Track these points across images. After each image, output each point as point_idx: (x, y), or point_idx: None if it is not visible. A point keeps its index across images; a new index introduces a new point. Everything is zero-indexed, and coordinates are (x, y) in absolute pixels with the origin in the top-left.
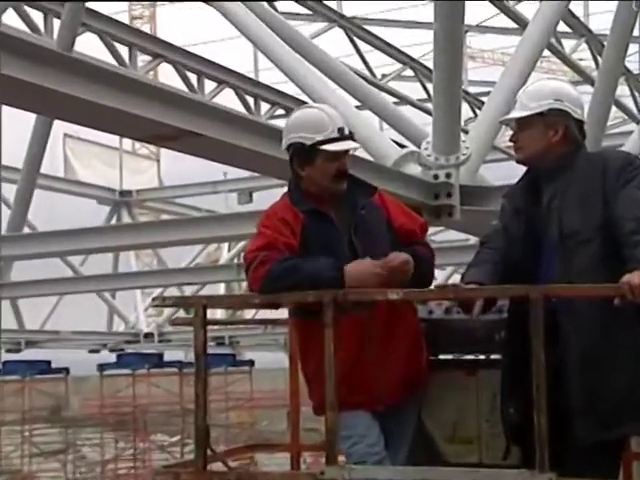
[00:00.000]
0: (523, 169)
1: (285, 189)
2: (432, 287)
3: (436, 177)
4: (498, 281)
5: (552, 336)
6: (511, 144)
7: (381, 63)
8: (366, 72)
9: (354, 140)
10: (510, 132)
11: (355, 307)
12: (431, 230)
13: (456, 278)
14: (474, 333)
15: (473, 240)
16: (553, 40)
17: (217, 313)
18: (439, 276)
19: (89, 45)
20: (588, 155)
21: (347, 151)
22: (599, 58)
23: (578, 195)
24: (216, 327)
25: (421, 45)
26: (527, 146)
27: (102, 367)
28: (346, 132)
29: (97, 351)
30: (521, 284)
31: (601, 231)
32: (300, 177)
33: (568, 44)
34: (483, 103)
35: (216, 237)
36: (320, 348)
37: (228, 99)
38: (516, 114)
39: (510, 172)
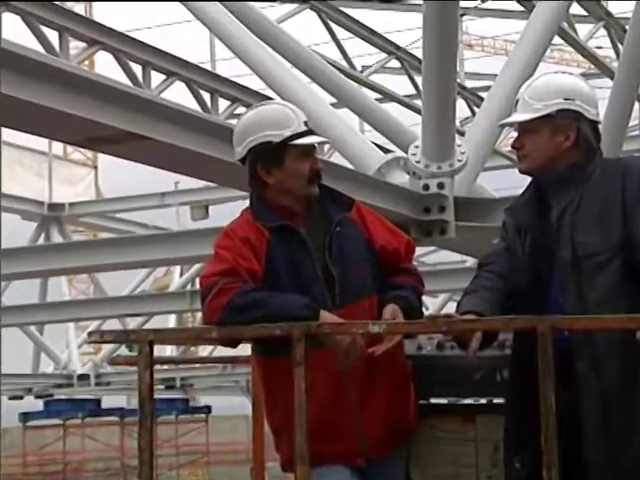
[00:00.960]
0: (529, 178)
1: (247, 203)
2: (422, 318)
3: (426, 187)
4: (500, 311)
5: (565, 377)
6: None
7: (362, 52)
8: (344, 63)
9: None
10: (515, 133)
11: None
12: (420, 250)
13: (451, 307)
14: (472, 373)
15: (470, 262)
16: (565, 25)
17: (166, 350)
18: (430, 305)
19: (10, 28)
20: (605, 162)
21: (315, 148)
22: (620, 46)
23: (593, 210)
24: (165, 367)
25: (409, 31)
26: (532, 154)
27: (26, 416)
28: (310, 126)
29: (20, 397)
30: (527, 314)
31: (621, 252)
32: (265, 186)
33: (583, 29)
34: (482, 100)
35: (165, 259)
36: (289, 391)
37: (179, 95)
38: (518, 117)
39: (515, 181)
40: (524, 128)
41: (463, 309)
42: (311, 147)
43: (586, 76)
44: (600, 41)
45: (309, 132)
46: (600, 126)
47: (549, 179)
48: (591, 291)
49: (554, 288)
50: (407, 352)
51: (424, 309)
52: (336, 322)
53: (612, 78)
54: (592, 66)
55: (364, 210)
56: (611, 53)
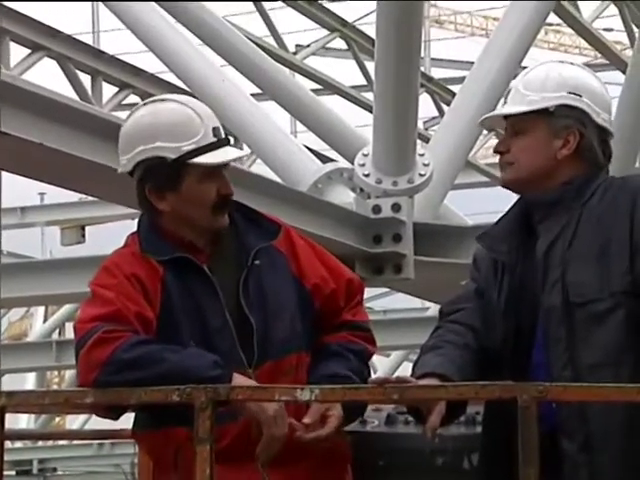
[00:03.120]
0: (513, 199)
1: (134, 225)
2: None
3: (377, 210)
4: (471, 374)
5: (551, 463)
6: (495, 158)
7: (295, 28)
8: (271, 41)
9: (234, 146)
10: (495, 141)
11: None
12: (368, 293)
13: (406, 369)
14: (431, 457)
15: (433, 310)
16: (564, 1)
17: (21, 421)
18: (380, 365)
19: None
20: (611, 182)
21: (225, 166)
22: (635, 29)
23: (592, 243)
24: (19, 444)
25: (359, 1)
26: (520, 161)
27: None
28: (222, 134)
29: None
30: (503, 379)
31: (626, 299)
32: (158, 213)
33: (588, 7)
34: (454, 95)
35: (24, 298)
36: (188, 477)
37: (49, 77)
38: (508, 109)
39: (495, 204)
40: (512, 126)
41: (422, 371)
42: (218, 165)
43: (590, 67)
44: (609, 22)
45: (219, 143)
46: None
47: (538, 198)
48: (586, 349)
49: (538, 344)
50: (347, 428)
51: (372, 371)
52: (254, 385)
53: (624, 70)
54: (598, 54)
55: (295, 237)
56: (623, 38)
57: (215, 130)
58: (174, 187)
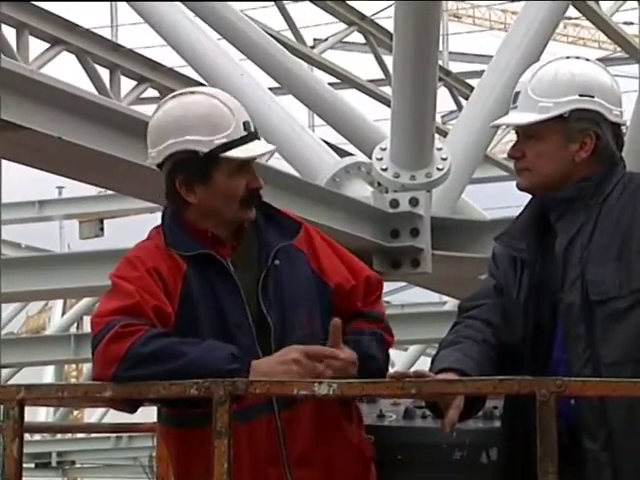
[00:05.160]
0: (529, 195)
1: (157, 219)
2: (386, 378)
3: (395, 204)
4: (489, 370)
5: (569, 457)
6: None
7: (313, 22)
8: (289, 35)
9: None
10: (513, 135)
11: (261, 408)
12: (385, 287)
13: (424, 363)
14: (449, 451)
15: (451, 304)
16: None
17: (40, 414)
18: (398, 360)
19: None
20: (628, 178)
21: (254, 160)
22: None
23: (612, 240)
24: (38, 437)
25: None
26: (536, 167)
27: None
28: (252, 128)
29: None
30: (523, 375)
31: None
32: (186, 204)
33: (607, 0)
34: (472, 89)
35: (42, 291)
36: (206, 472)
37: (67, 71)
38: (518, 118)
39: (512, 198)
40: (526, 132)
41: (440, 366)
42: (250, 159)
43: (609, 61)
44: (629, 15)
45: (250, 137)
46: (623, 128)
47: (556, 197)
48: (605, 347)
49: (558, 342)
50: (366, 422)
51: (389, 365)
52: (272, 380)
53: None
54: (617, 48)
55: (315, 235)
56: None
57: (246, 124)
58: (204, 180)
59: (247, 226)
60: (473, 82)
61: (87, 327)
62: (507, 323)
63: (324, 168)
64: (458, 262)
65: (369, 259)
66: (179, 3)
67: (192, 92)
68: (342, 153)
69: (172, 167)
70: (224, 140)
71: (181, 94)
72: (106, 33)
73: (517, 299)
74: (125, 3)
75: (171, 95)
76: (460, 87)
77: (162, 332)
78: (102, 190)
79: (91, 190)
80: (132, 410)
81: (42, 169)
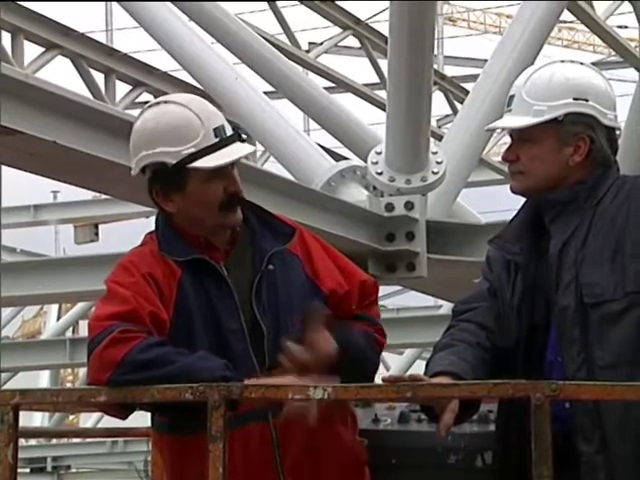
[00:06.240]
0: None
1: (152, 224)
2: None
3: (390, 208)
4: (483, 373)
5: (563, 460)
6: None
7: (308, 26)
8: (285, 39)
9: (244, 141)
10: (508, 139)
11: (256, 414)
12: (381, 291)
13: (419, 367)
14: (444, 454)
15: (446, 308)
16: None
17: (35, 419)
18: (392, 363)
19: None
20: (623, 180)
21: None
22: None
23: (606, 243)
24: (33, 442)
25: (371, 0)
26: (530, 171)
27: None
28: (227, 132)
29: None
30: (517, 378)
31: None
32: (167, 213)
33: (601, 4)
34: (467, 92)
35: (38, 296)
36: (201, 477)
37: (62, 75)
38: (513, 122)
39: (507, 202)
40: (520, 135)
41: (434, 370)
42: (219, 167)
43: (604, 64)
44: (623, 19)
45: (222, 144)
46: (617, 132)
47: (550, 200)
48: (600, 350)
49: (551, 344)
50: (361, 426)
51: (384, 369)
52: (267, 383)
53: (638, 68)
54: (612, 52)
55: (310, 239)
56: (637, 35)
57: (217, 130)
58: (179, 189)
59: (239, 230)
60: (468, 86)
61: (83, 331)
62: (501, 326)
63: (319, 172)
64: (454, 266)
65: (364, 263)
66: (174, 8)
67: (166, 102)
68: (337, 157)
69: (150, 177)
70: (192, 150)
71: (157, 103)
72: (101, 37)
73: (511, 302)
74: (120, 8)
75: (149, 104)
76: (455, 91)
77: (159, 341)
78: (97, 195)
79: (86, 195)
80: (124, 416)
81: (37, 173)
